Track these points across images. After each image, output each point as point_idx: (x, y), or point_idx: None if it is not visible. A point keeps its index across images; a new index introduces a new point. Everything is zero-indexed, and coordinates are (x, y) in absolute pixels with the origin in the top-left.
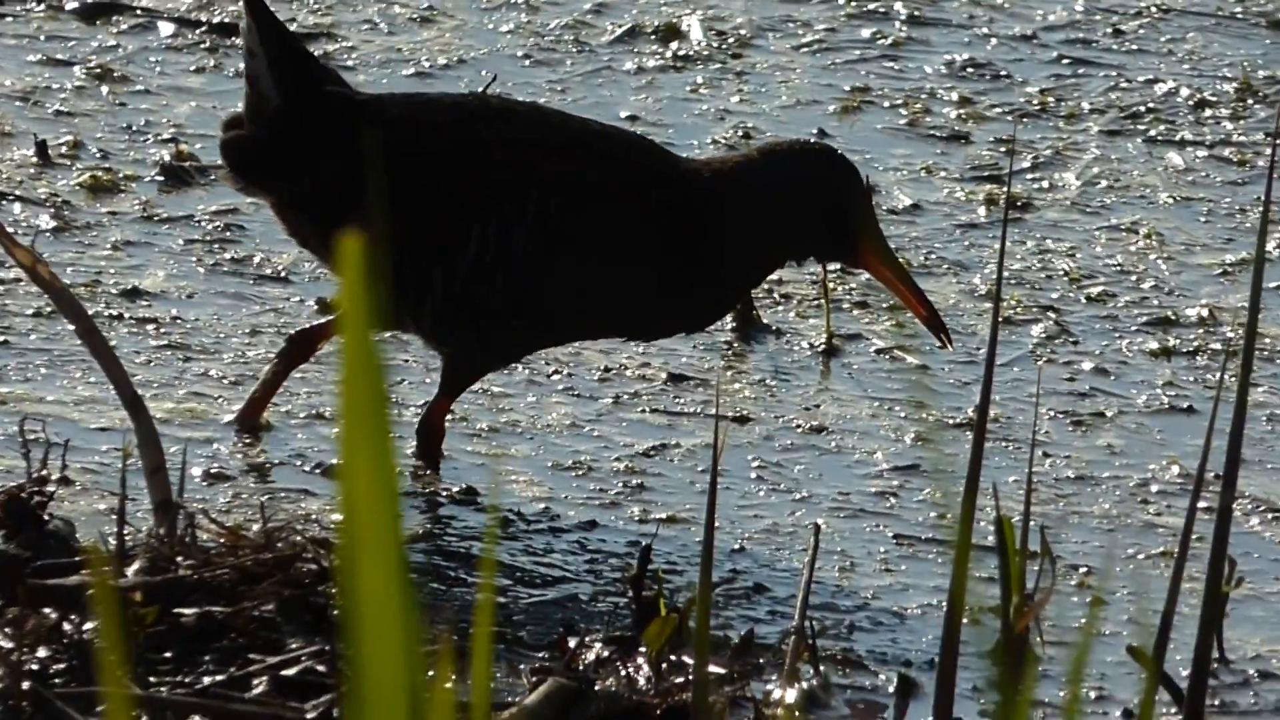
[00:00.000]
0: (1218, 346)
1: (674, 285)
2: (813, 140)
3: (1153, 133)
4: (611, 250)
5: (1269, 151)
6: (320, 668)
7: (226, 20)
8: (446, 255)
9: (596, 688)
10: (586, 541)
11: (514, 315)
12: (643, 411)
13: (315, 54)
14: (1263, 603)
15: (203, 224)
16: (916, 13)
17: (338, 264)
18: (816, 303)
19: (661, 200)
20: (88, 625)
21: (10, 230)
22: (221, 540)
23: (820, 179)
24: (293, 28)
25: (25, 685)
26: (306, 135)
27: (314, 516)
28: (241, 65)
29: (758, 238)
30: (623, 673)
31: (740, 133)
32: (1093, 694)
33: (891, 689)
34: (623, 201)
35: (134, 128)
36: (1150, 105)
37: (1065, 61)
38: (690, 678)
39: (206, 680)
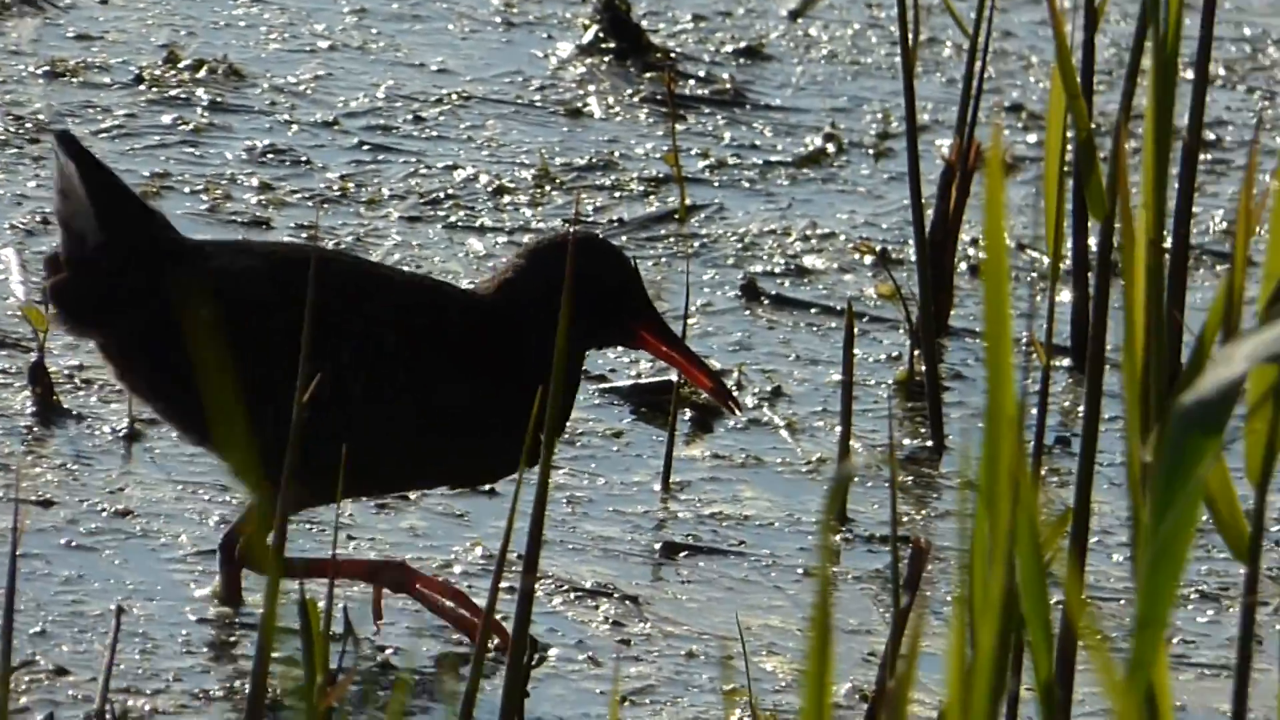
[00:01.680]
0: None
1: (499, 407)
2: (570, 230)
3: (453, 218)
4: (440, 385)
5: None
6: None
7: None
8: (275, 398)
9: None
10: None
11: (339, 454)
12: None
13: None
14: (561, 679)
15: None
16: (218, 99)
17: (164, 412)
18: (118, 389)
19: (468, 330)
20: None
21: None
22: None
23: (586, 270)
24: None
25: None
26: (129, 275)
27: None
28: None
29: (552, 339)
30: None
31: (42, 219)
32: None
33: None
34: (441, 337)
35: None
36: (450, 191)
37: (366, 148)
38: None
39: None
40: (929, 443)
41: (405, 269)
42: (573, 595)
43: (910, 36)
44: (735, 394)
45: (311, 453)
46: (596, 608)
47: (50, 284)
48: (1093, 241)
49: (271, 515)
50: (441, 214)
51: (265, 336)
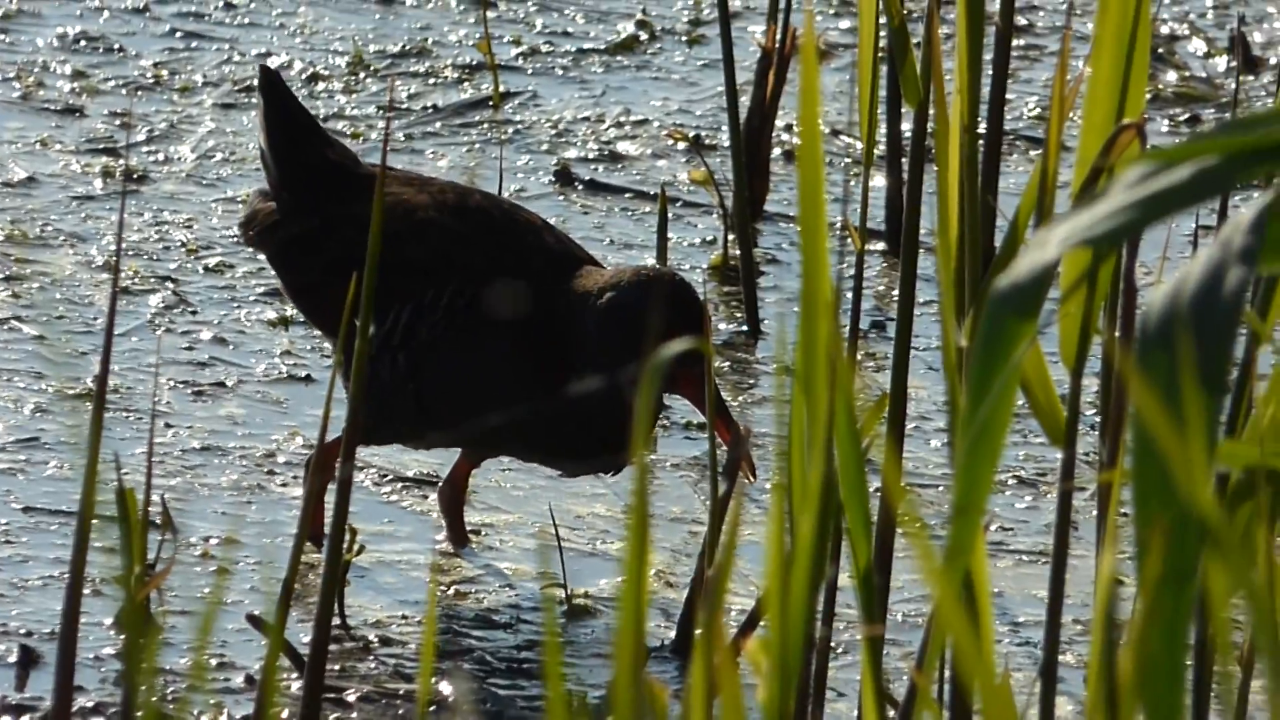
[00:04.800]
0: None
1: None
2: (660, 270)
3: None
4: (491, 356)
5: (381, 124)
6: None
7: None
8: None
9: None
10: None
11: (407, 399)
12: None
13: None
14: (388, 569)
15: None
16: None
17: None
18: None
19: (540, 315)
20: None
21: None
22: None
23: (674, 322)
24: None
25: None
26: (299, 205)
27: None
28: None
29: (598, 361)
30: None
31: None
32: (215, 661)
33: (13, 659)
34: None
35: None
36: None
37: (179, 35)
38: None
39: None
40: (744, 328)
41: (553, 230)
42: (399, 484)
43: None
44: (754, 462)
45: (385, 392)
46: (425, 497)
47: (242, 219)
48: (906, 127)
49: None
50: (255, 101)
51: (385, 271)
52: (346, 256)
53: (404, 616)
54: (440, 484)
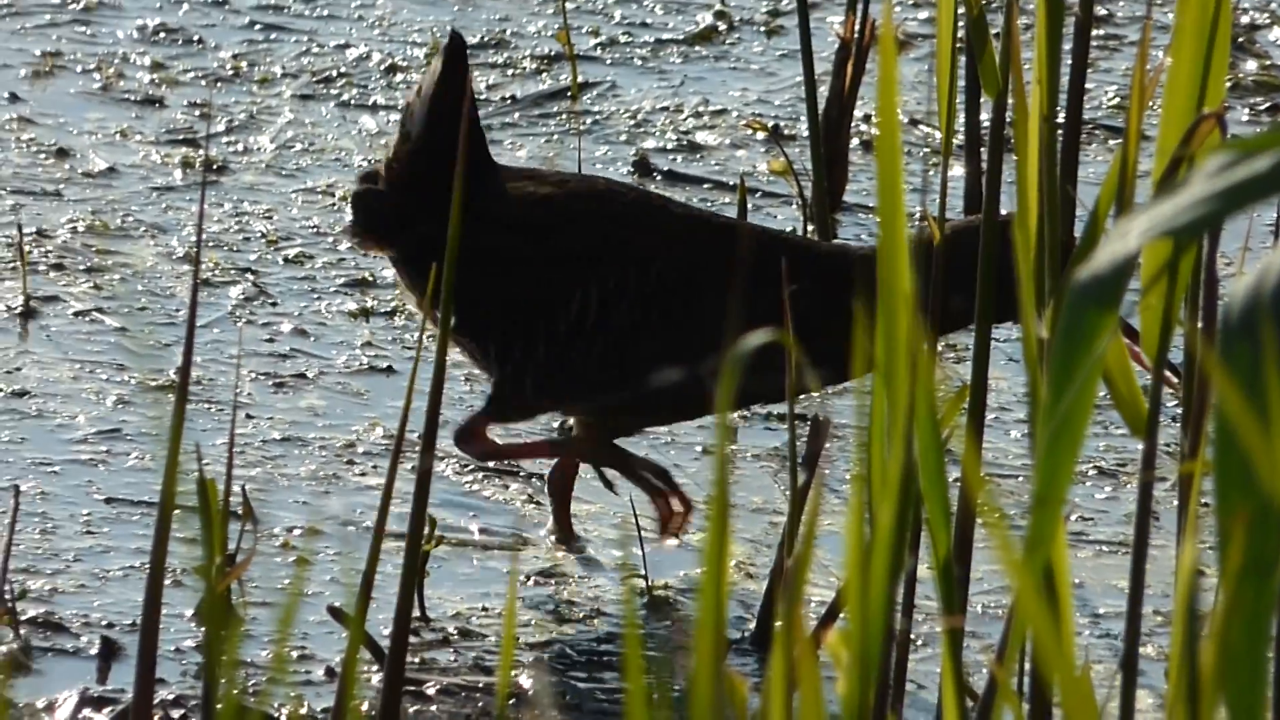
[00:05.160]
0: (412, 307)
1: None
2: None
3: (346, 97)
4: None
5: None
6: None
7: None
8: (547, 318)
9: None
10: None
11: (603, 383)
12: None
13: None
14: (465, 560)
15: None
16: None
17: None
18: (13, 265)
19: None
20: None
21: None
22: None
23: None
24: None
25: None
26: (430, 183)
27: None
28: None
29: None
30: None
31: None
32: (296, 654)
33: (94, 651)
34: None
35: None
36: (343, 70)
37: (258, 27)
38: None
39: None
40: None
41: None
42: (480, 475)
43: None
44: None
45: (584, 373)
46: (506, 487)
47: (354, 192)
48: (985, 117)
49: (506, 414)
50: (334, 92)
51: (536, 258)
52: (487, 249)
53: (484, 609)
54: (549, 473)
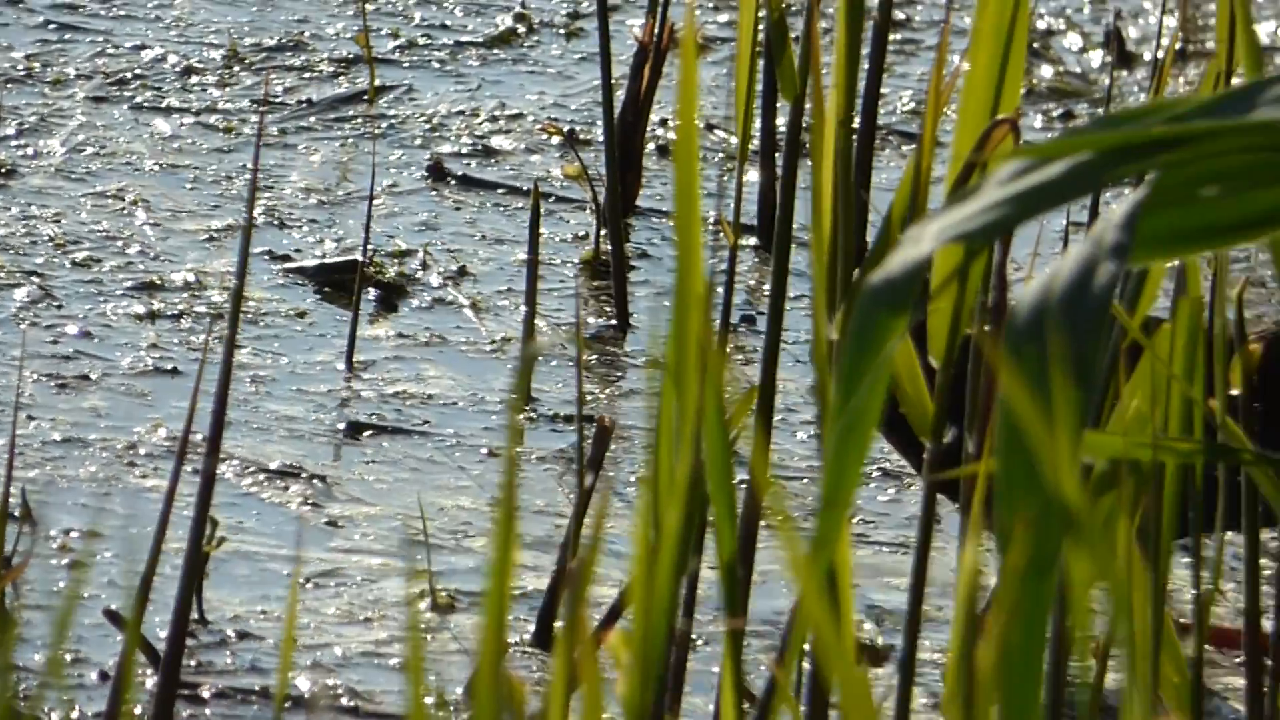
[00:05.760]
0: (203, 310)
1: None
2: None
3: (139, 99)
4: None
5: (254, 119)
6: None
7: None
8: None
9: None
10: None
11: None
12: None
13: None
14: (248, 561)
15: None
16: None
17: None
18: None
19: None
20: None
21: None
22: None
23: None
24: None
25: None
26: None
27: None
28: None
29: None
30: None
31: None
32: (70, 657)
33: None
34: None
35: None
36: (137, 71)
37: (52, 27)
38: None
39: None
40: (614, 321)
41: None
42: (261, 476)
43: None
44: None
45: None
46: (286, 489)
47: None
48: (781, 122)
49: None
50: (128, 94)
51: None
52: None
53: (263, 611)
54: None
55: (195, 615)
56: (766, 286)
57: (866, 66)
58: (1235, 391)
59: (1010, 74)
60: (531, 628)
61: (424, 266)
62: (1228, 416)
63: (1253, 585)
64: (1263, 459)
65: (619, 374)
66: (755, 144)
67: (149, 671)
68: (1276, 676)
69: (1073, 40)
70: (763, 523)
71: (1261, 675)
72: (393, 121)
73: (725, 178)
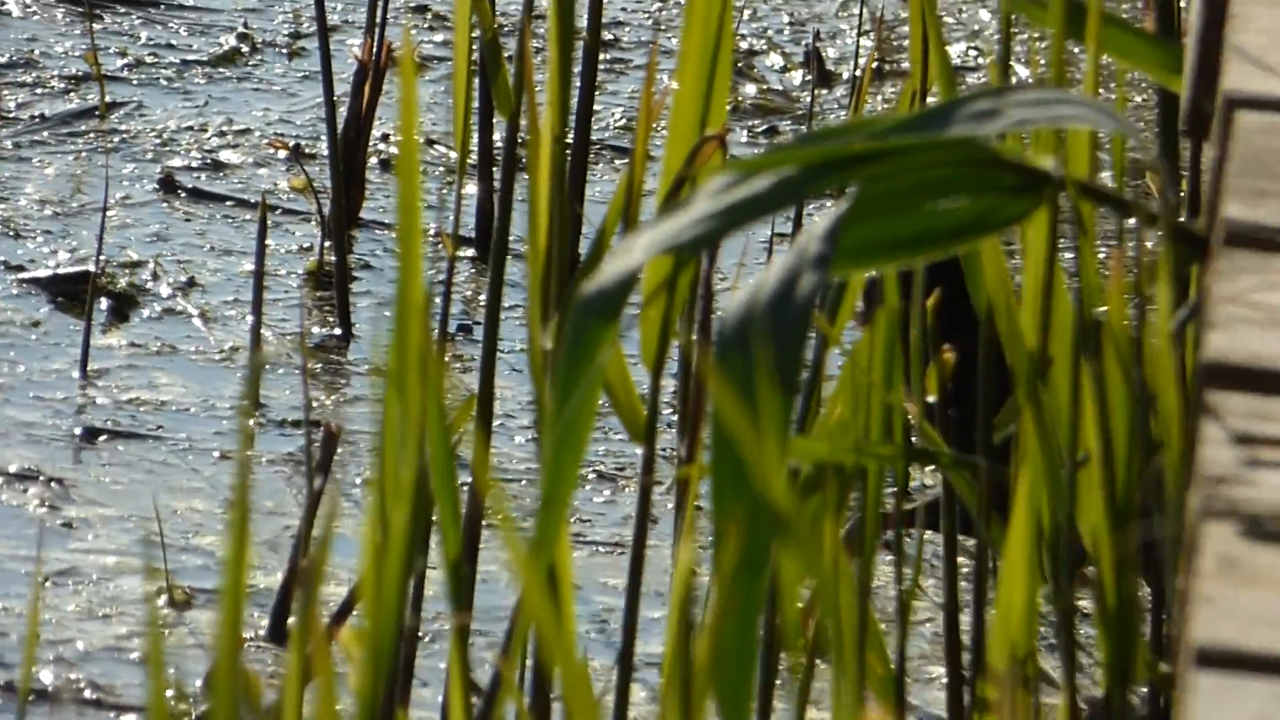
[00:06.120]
0: None
1: None
2: None
3: None
4: None
5: None
6: None
7: None
8: None
9: None
10: None
11: None
12: None
13: None
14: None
15: None
16: None
17: None
18: None
19: None
20: None
21: None
22: None
23: None
24: None
25: None
26: None
27: None
28: None
29: None
30: None
31: None
32: None
33: None
34: None
35: None
36: None
37: None
38: None
39: None
40: (338, 330)
41: None
42: (1, 480)
43: None
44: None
45: None
46: (25, 491)
47: None
48: (499, 137)
49: None
50: None
51: None
52: None
53: (4, 609)
54: None
55: None
56: (483, 297)
57: (579, 84)
58: (931, 399)
59: (717, 92)
60: (264, 624)
61: (155, 277)
62: (924, 421)
63: (951, 582)
64: (959, 462)
65: (344, 381)
66: (473, 159)
67: None
68: (975, 667)
69: (775, 60)
70: (485, 522)
71: (960, 666)
72: (124, 136)
73: (445, 191)
